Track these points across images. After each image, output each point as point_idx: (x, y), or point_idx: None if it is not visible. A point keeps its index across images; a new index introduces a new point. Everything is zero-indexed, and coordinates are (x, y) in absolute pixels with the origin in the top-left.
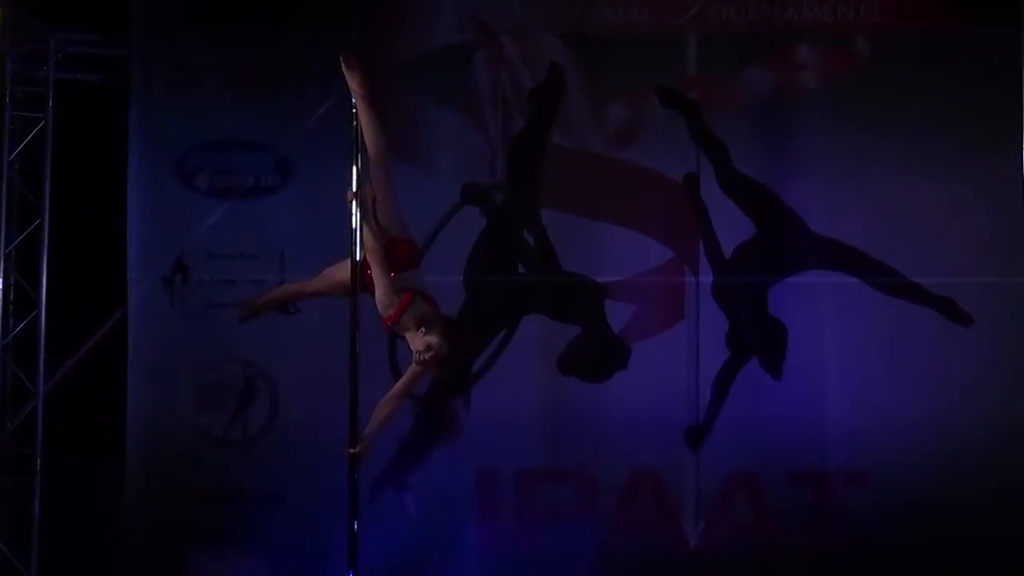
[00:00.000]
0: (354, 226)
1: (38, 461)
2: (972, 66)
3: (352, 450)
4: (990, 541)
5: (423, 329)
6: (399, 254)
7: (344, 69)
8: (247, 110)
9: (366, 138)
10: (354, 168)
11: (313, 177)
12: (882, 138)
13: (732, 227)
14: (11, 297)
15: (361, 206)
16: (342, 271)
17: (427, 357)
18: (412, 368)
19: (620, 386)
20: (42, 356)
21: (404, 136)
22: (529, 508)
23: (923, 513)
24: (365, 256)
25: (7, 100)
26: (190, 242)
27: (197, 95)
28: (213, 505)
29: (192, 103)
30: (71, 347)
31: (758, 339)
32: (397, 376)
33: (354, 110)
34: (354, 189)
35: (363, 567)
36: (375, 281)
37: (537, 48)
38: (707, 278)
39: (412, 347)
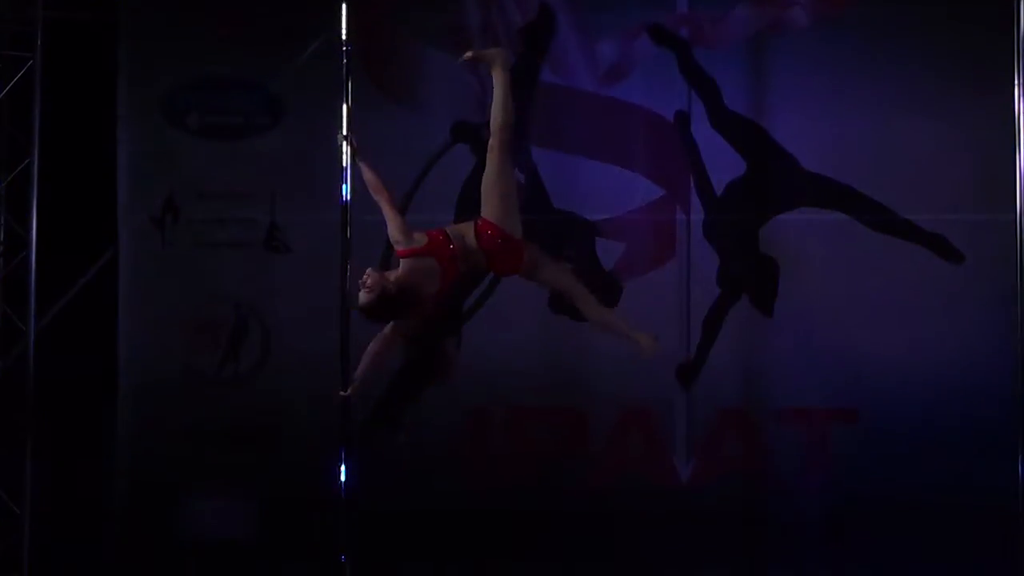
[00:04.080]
0: (345, 166)
1: (29, 401)
2: (964, 2)
3: (343, 392)
4: (978, 478)
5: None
6: (504, 254)
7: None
8: (237, 49)
9: (494, 114)
10: (344, 108)
11: (304, 116)
12: (873, 75)
13: (723, 165)
14: (1, 237)
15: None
16: None
17: (365, 298)
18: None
19: None
20: (33, 296)
21: (395, 75)
22: (520, 446)
23: (912, 449)
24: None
25: None
26: (180, 181)
27: (187, 34)
28: (205, 443)
29: (182, 42)
30: (62, 287)
31: (749, 277)
32: None
33: (344, 48)
34: (344, 130)
35: (355, 505)
36: (385, 214)
37: None
38: (698, 216)
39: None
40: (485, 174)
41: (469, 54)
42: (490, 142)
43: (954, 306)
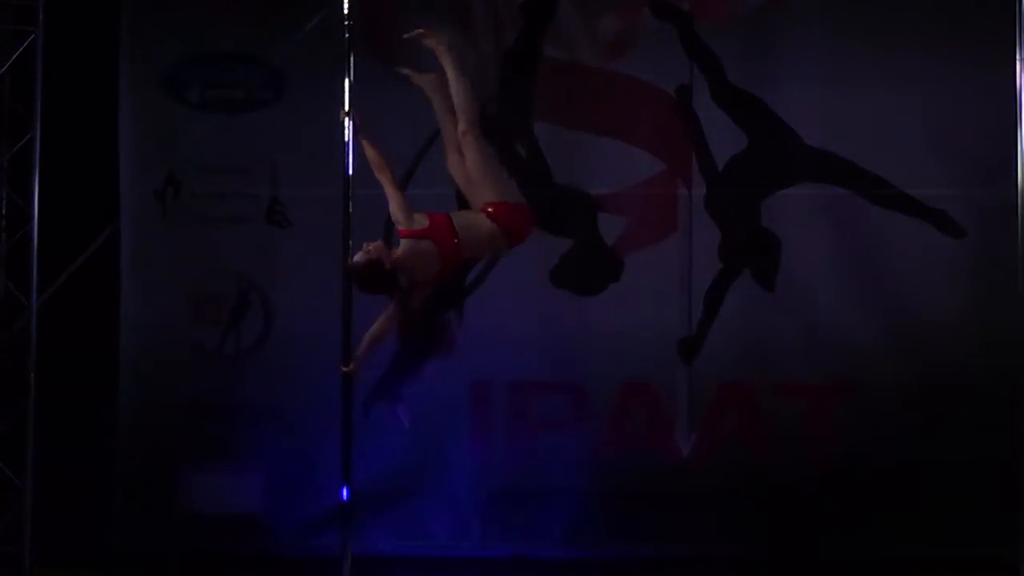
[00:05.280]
0: (346, 140)
1: (31, 375)
2: None
3: (345, 368)
4: (978, 452)
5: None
6: (522, 223)
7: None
8: (239, 23)
9: (455, 97)
10: (346, 82)
11: (305, 90)
12: (875, 49)
13: (724, 139)
14: (3, 211)
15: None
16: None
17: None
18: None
19: (613, 298)
20: (35, 270)
21: (396, 50)
22: (522, 420)
23: (913, 424)
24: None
25: None
26: (182, 156)
27: (188, 8)
28: (207, 418)
29: (183, 16)
30: (64, 261)
31: (751, 251)
32: None
33: (346, 22)
34: (346, 105)
35: (357, 480)
36: (387, 193)
37: None
38: (699, 190)
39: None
40: (470, 161)
41: (419, 31)
42: (459, 128)
43: (954, 280)
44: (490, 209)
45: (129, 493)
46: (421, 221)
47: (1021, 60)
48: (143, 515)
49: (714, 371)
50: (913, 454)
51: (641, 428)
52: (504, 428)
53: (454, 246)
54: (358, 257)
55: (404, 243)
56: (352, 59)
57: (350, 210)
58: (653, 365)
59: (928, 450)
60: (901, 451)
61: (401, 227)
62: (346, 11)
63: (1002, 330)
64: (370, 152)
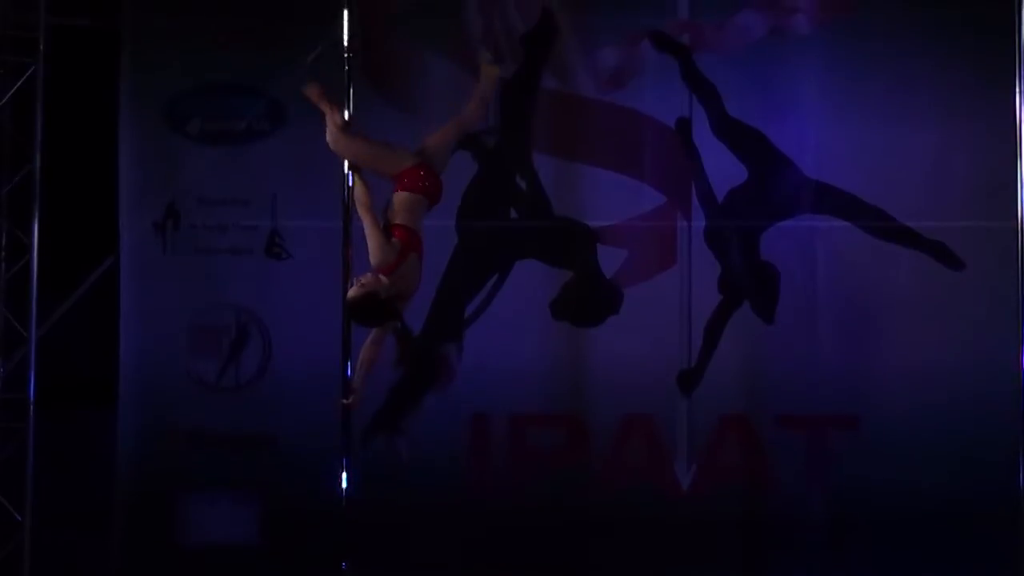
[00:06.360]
0: (346, 172)
1: (31, 406)
2: (965, 8)
3: (345, 400)
4: (976, 486)
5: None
6: (413, 177)
7: None
8: (239, 54)
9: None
10: (346, 113)
11: (305, 121)
12: (874, 82)
13: (724, 172)
14: (3, 243)
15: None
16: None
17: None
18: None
19: (612, 331)
20: (34, 301)
21: (396, 82)
22: (521, 453)
23: (912, 457)
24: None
25: None
26: (182, 188)
27: (188, 40)
28: (206, 449)
29: (183, 48)
30: (63, 292)
31: (750, 283)
32: None
33: (346, 55)
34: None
35: (356, 511)
36: (367, 235)
37: None
38: (699, 223)
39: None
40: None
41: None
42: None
43: (955, 313)
44: (421, 172)
45: (128, 523)
46: (396, 245)
47: (1021, 92)
48: (142, 544)
49: (714, 403)
50: (913, 488)
51: (641, 460)
52: (503, 460)
53: (421, 242)
54: (353, 292)
55: (394, 274)
56: (352, 91)
57: (350, 242)
58: (653, 397)
59: (928, 484)
60: (901, 485)
61: (386, 265)
62: (346, 43)
63: (1001, 361)
64: (358, 188)
